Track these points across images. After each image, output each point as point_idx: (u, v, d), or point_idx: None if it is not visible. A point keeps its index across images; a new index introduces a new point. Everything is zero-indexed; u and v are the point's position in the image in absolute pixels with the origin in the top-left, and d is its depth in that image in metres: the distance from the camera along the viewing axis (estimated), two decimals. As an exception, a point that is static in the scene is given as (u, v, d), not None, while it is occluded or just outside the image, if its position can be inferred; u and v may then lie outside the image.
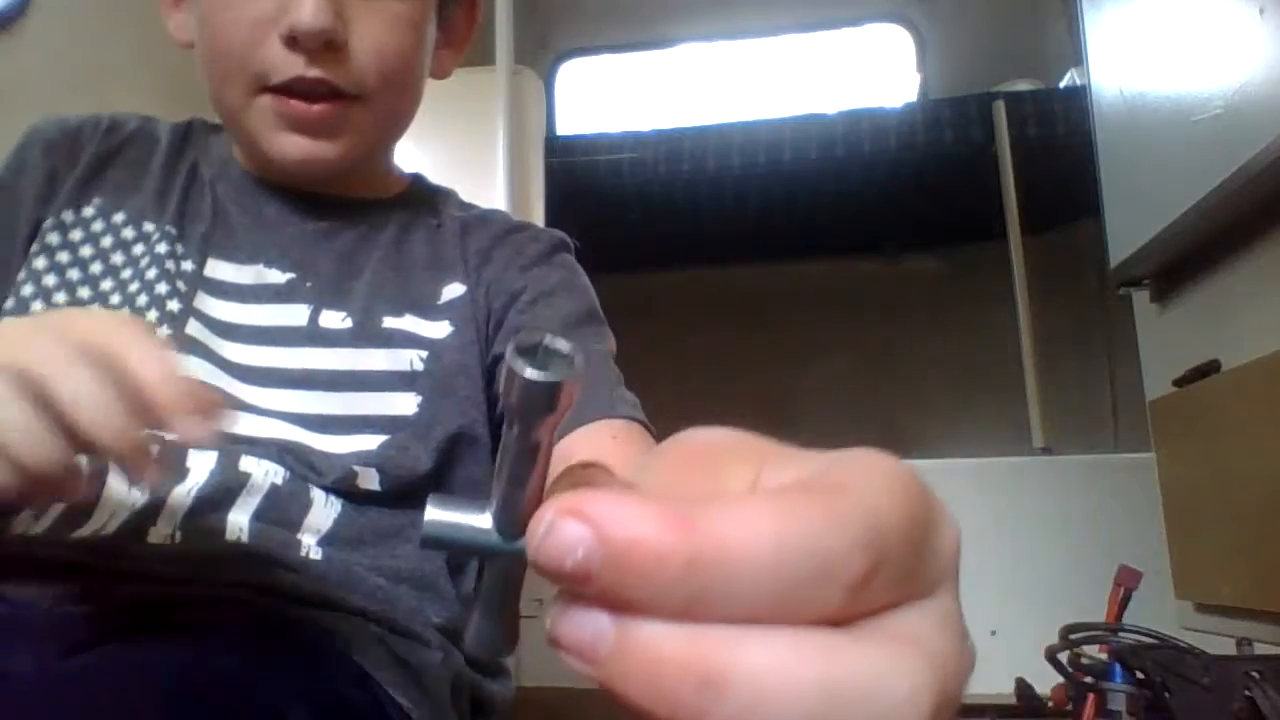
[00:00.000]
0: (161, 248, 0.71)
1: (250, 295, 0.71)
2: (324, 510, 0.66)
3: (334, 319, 0.71)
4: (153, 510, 0.62)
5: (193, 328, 0.68)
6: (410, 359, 0.70)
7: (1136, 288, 1.60)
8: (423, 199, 0.81)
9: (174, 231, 0.72)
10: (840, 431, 3.56)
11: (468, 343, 0.72)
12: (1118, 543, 2.33)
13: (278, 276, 0.73)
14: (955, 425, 3.38)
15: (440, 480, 0.70)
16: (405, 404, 0.69)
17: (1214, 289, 1.42)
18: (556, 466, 0.71)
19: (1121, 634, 0.87)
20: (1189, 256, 1.45)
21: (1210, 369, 1.40)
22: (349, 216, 0.76)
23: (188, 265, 0.71)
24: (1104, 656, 0.84)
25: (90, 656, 0.47)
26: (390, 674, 0.60)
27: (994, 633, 2.40)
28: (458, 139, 2.11)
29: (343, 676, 0.57)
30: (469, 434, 0.72)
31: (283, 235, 0.75)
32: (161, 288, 0.69)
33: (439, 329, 0.72)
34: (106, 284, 0.70)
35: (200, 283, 0.71)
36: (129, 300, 0.68)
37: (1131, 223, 1.50)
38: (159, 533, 0.61)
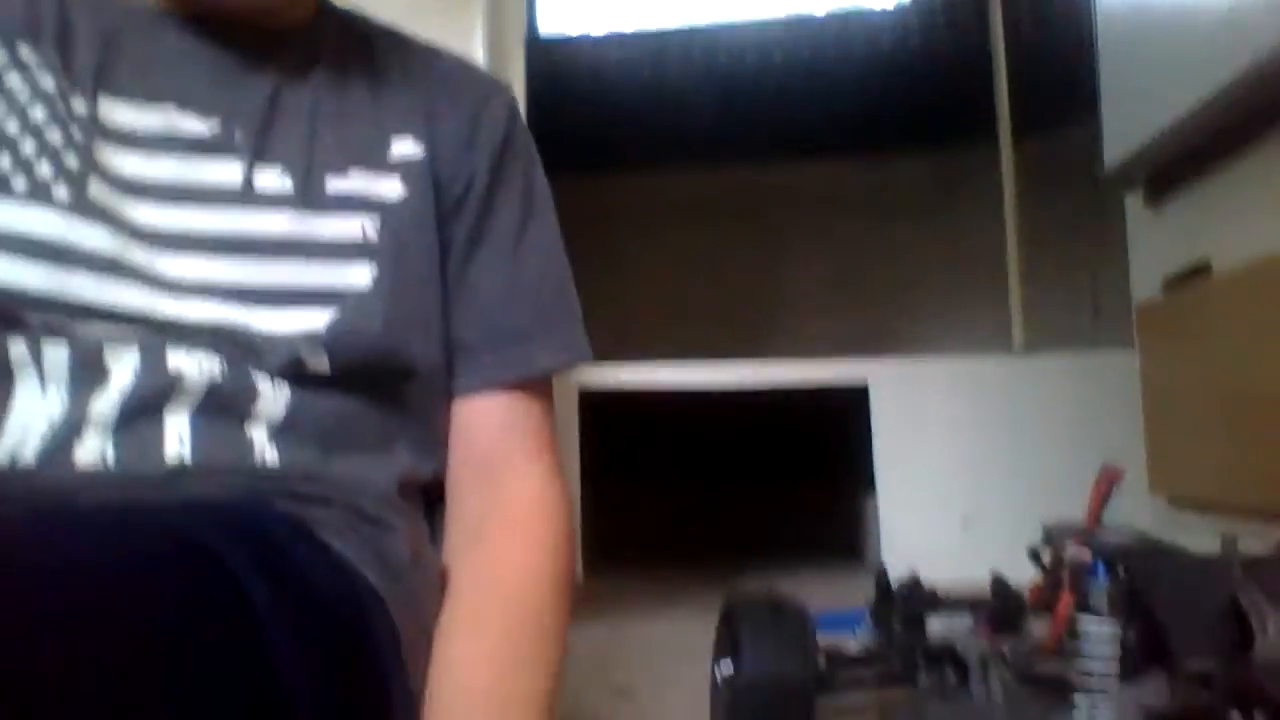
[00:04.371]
0: (47, 82, 0.60)
1: (160, 146, 0.62)
2: (273, 397, 0.60)
3: (271, 178, 0.63)
4: (74, 423, 0.56)
5: (95, 189, 0.59)
6: (362, 226, 0.63)
7: (1130, 189, 1.58)
8: (349, 27, 0.72)
9: (57, 61, 0.61)
10: (823, 335, 3.56)
11: (424, 209, 0.65)
12: (1093, 440, 2.37)
13: (196, 125, 0.63)
14: (937, 326, 3.39)
15: (393, 362, 0.64)
16: (358, 275, 0.62)
17: (1207, 192, 1.41)
18: (455, 423, 0.67)
19: (1105, 533, 0.88)
20: (1184, 159, 1.43)
21: (1200, 271, 1.40)
22: (270, 48, 0.66)
23: (79, 106, 0.60)
24: (1086, 554, 0.85)
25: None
26: (358, 553, 0.57)
27: (966, 525, 2.47)
28: (436, 39, 2.01)
29: (306, 551, 0.54)
30: (425, 314, 0.66)
31: (194, 71, 0.64)
32: (54, 136, 0.59)
33: (391, 189, 0.65)
34: None
35: (96, 128, 0.60)
36: (18, 159, 0.58)
37: (1129, 124, 1.48)
38: (87, 449, 0.56)
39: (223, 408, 0.58)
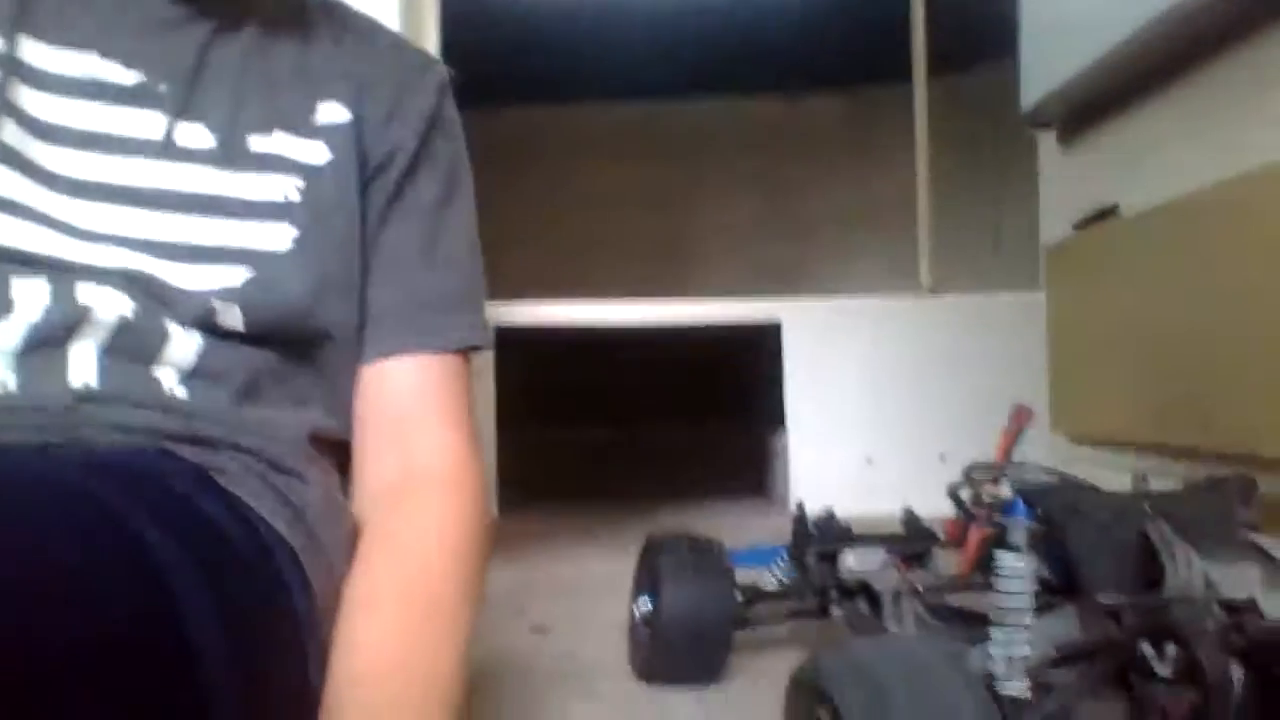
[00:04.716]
0: None
1: (79, 90, 0.61)
2: (183, 343, 0.59)
3: (193, 133, 0.62)
4: None
5: (7, 132, 0.57)
6: (285, 188, 0.63)
7: (1044, 129, 1.60)
8: None
9: None
10: (735, 273, 3.55)
11: (347, 175, 0.65)
12: (996, 379, 2.44)
13: (120, 73, 0.62)
14: (847, 265, 3.43)
15: (309, 324, 0.63)
16: (278, 236, 0.62)
17: (1120, 134, 1.43)
18: (364, 389, 0.65)
19: (1025, 470, 0.89)
20: (1099, 101, 1.44)
21: (1109, 213, 1.42)
22: (201, 3, 0.64)
23: None
24: (1007, 492, 0.86)
25: None
26: (267, 503, 0.56)
27: (870, 461, 2.53)
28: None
29: (212, 502, 0.52)
30: (344, 278, 0.65)
31: (121, 20, 0.63)
32: None
33: (316, 153, 0.64)
34: None
35: (12, 67, 0.59)
36: None
37: (1048, 63, 1.48)
38: None
39: (131, 346, 0.56)
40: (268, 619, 0.51)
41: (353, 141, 0.65)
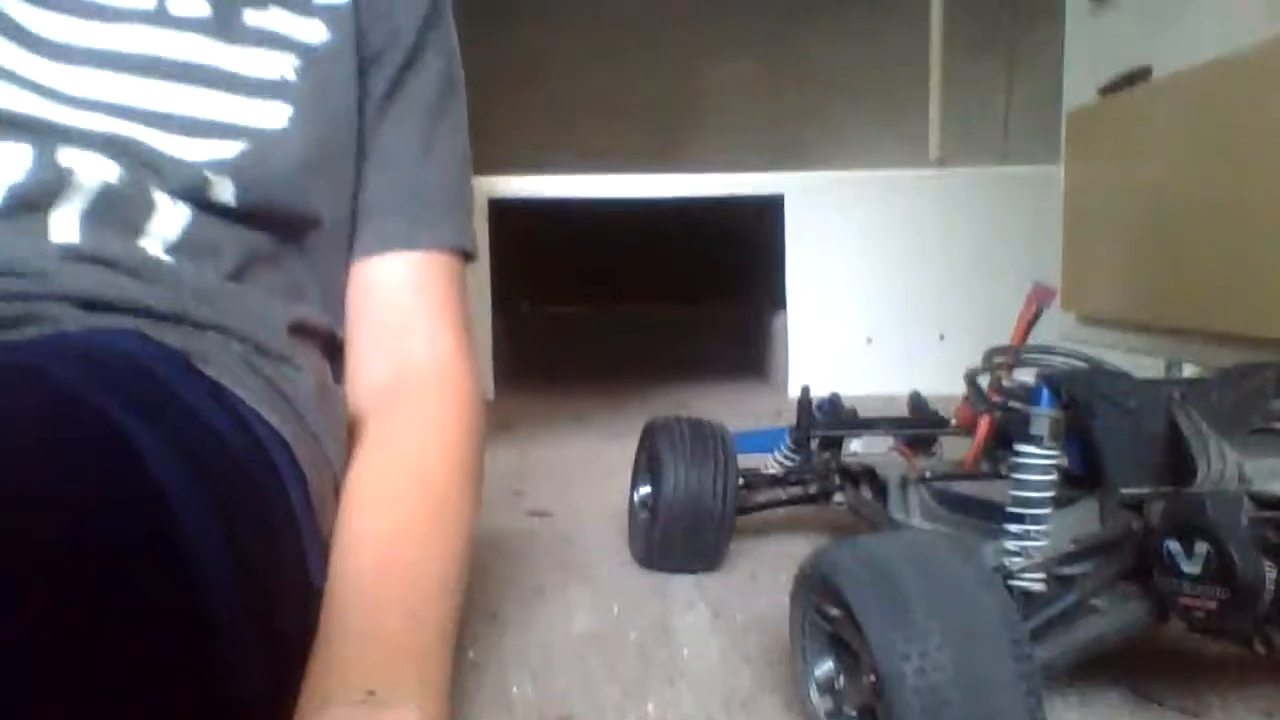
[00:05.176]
0: None
1: None
2: (171, 214, 0.57)
3: (188, 3, 0.60)
4: None
5: None
6: (281, 65, 0.61)
7: (1073, -14, 1.49)
8: None
9: None
10: (736, 142, 3.44)
11: (346, 55, 0.64)
12: (1004, 257, 2.38)
13: None
14: (853, 135, 3.30)
15: (302, 206, 0.62)
16: (273, 114, 0.60)
17: (1155, -11, 1.33)
18: (356, 286, 0.64)
19: (1046, 355, 0.84)
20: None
21: (1140, 76, 1.33)
22: None
23: None
24: (1031, 379, 0.82)
25: None
26: (256, 391, 0.54)
27: (870, 340, 2.49)
28: None
29: (197, 393, 0.50)
30: (339, 162, 0.64)
31: None
32: None
33: (313, 31, 0.63)
34: None
35: None
36: None
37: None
38: None
39: (115, 214, 0.55)
40: (262, 512, 0.50)
41: (351, 24, 0.64)
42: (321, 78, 0.62)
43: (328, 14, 0.64)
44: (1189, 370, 0.80)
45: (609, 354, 2.88)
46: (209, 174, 0.57)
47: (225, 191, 0.58)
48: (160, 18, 0.59)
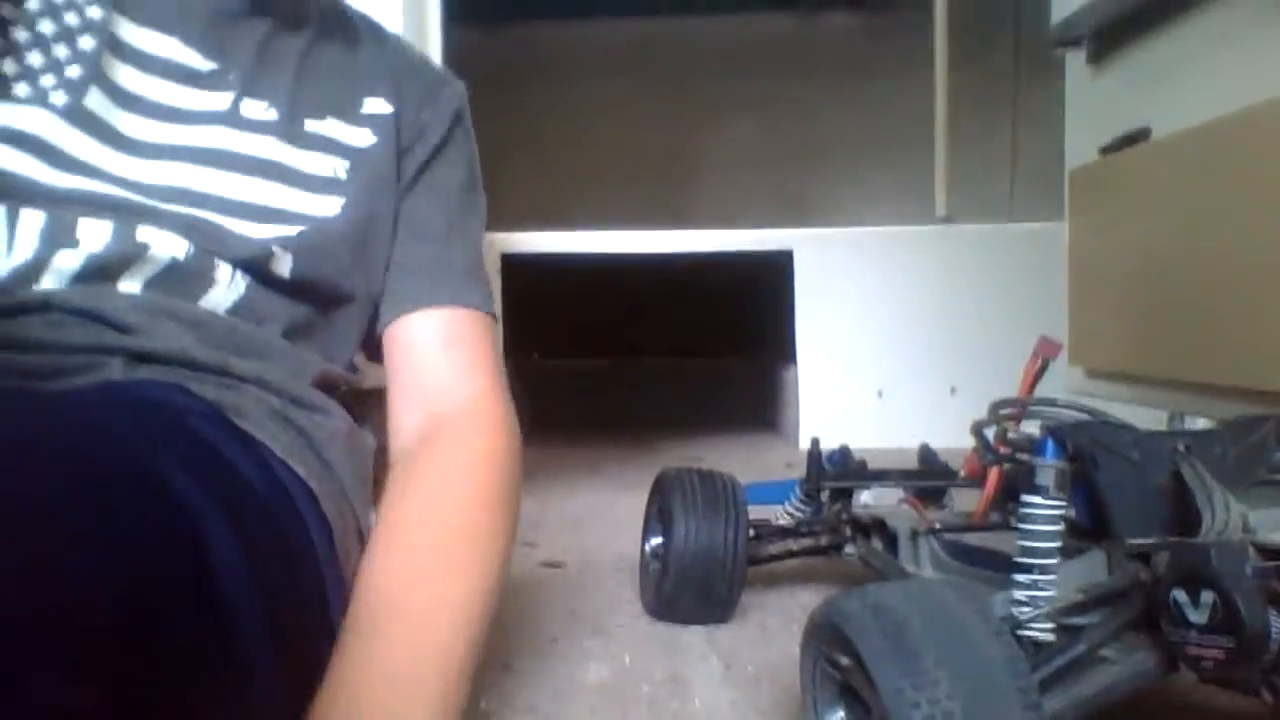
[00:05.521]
0: None
1: (164, 70, 0.65)
2: (227, 290, 0.62)
3: (258, 109, 0.67)
4: (34, 267, 0.57)
5: (93, 99, 0.61)
6: (334, 166, 0.69)
7: (1073, 48, 1.53)
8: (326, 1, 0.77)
9: None
10: (742, 199, 3.49)
11: (388, 158, 0.72)
12: (1011, 312, 2.40)
13: (198, 60, 0.66)
14: (860, 193, 3.35)
15: (346, 284, 0.69)
16: (328, 205, 0.67)
17: (1153, 52, 1.36)
18: (392, 344, 0.70)
19: (1051, 408, 0.86)
20: (1132, 17, 1.37)
21: (1139, 136, 1.36)
22: (263, 2, 0.70)
23: (94, 12, 0.63)
24: (1036, 431, 0.83)
25: None
26: (287, 444, 0.57)
27: (881, 394, 2.50)
28: None
29: (231, 445, 0.53)
30: (376, 248, 0.71)
31: (198, 8, 0.68)
32: (60, 50, 0.61)
33: (362, 137, 0.71)
34: None
35: (109, 41, 0.63)
36: (24, 70, 0.59)
37: (1078, -23, 1.41)
38: (34, 294, 0.56)
39: (176, 284, 0.60)
40: (287, 557, 0.52)
41: (393, 130, 0.72)
42: (367, 176, 0.70)
43: (375, 122, 0.72)
44: (1191, 422, 0.81)
45: (621, 407, 2.89)
46: (274, 249, 0.63)
47: (284, 265, 0.64)
48: (234, 119, 0.66)
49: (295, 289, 0.65)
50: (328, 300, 0.68)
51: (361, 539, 0.61)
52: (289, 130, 0.67)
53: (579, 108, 3.36)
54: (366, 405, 0.73)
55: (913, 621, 0.61)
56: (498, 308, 0.76)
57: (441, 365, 0.69)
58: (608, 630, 1.00)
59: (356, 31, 0.76)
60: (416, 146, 0.74)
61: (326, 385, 0.66)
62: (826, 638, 0.67)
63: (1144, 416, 1.00)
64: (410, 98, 0.75)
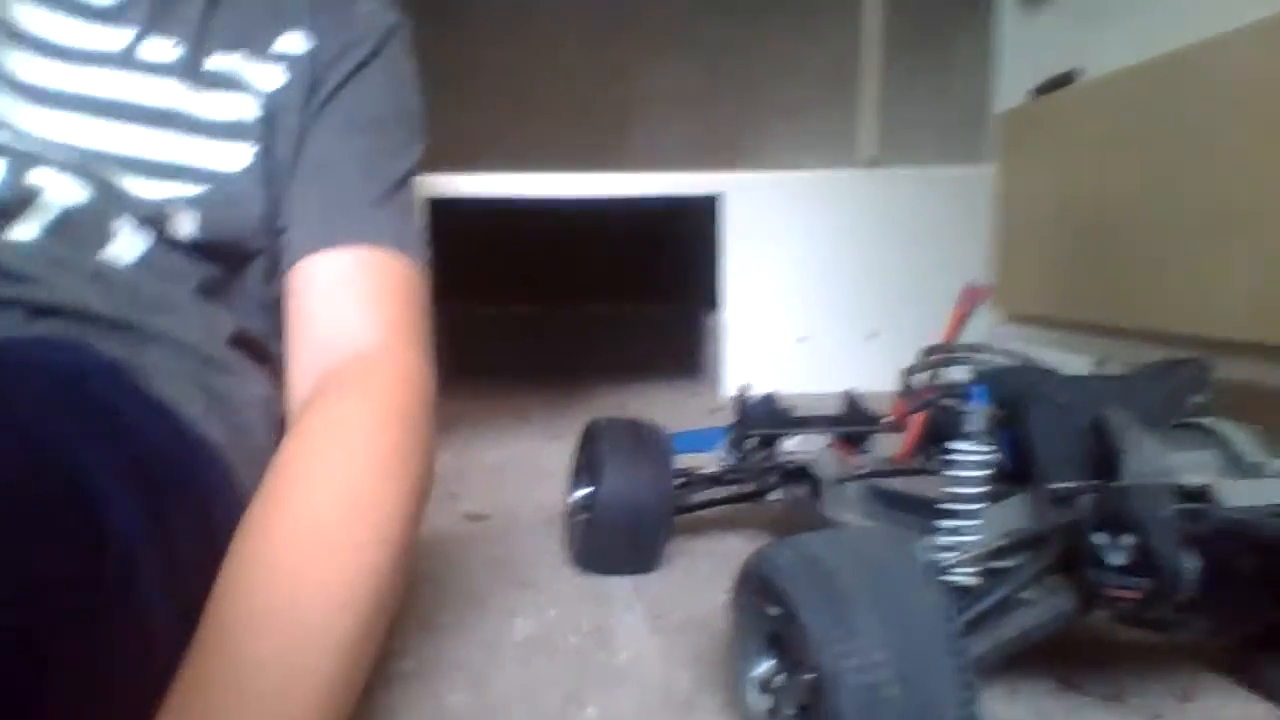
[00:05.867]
0: None
1: (67, 5, 0.61)
2: (130, 241, 0.58)
3: (159, 48, 0.62)
4: None
5: None
6: (243, 107, 0.63)
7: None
8: None
9: None
10: (674, 142, 3.43)
11: (300, 104, 0.66)
12: (934, 256, 2.42)
13: None
14: (789, 135, 3.33)
15: (256, 242, 0.64)
16: (237, 154, 0.63)
17: (1082, -5, 1.36)
18: (290, 292, 0.63)
19: (981, 354, 0.86)
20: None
21: (1070, 78, 1.36)
22: None
23: None
24: (966, 375, 0.83)
25: None
26: (196, 403, 0.54)
27: (802, 340, 2.51)
28: None
29: (134, 405, 0.50)
30: (285, 195, 0.65)
31: None
32: None
33: (273, 78, 0.66)
34: None
35: None
36: None
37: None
38: None
39: (74, 235, 0.56)
40: (197, 524, 0.49)
41: (308, 70, 0.66)
42: (278, 120, 0.64)
43: (288, 61, 0.66)
44: (1114, 367, 0.82)
45: (548, 354, 2.86)
46: (176, 208, 0.59)
47: (187, 224, 0.60)
48: (128, 61, 0.61)
49: (202, 248, 0.61)
50: (240, 258, 0.64)
51: None
52: (192, 70, 0.63)
53: (509, 45, 3.26)
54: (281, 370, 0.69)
55: (843, 571, 0.60)
56: (422, 251, 0.68)
57: (341, 311, 0.61)
58: (534, 583, 0.98)
59: None
60: (326, 79, 0.67)
61: (243, 347, 0.62)
62: (756, 587, 0.66)
63: (1067, 362, 1.01)
64: (329, 29, 0.68)
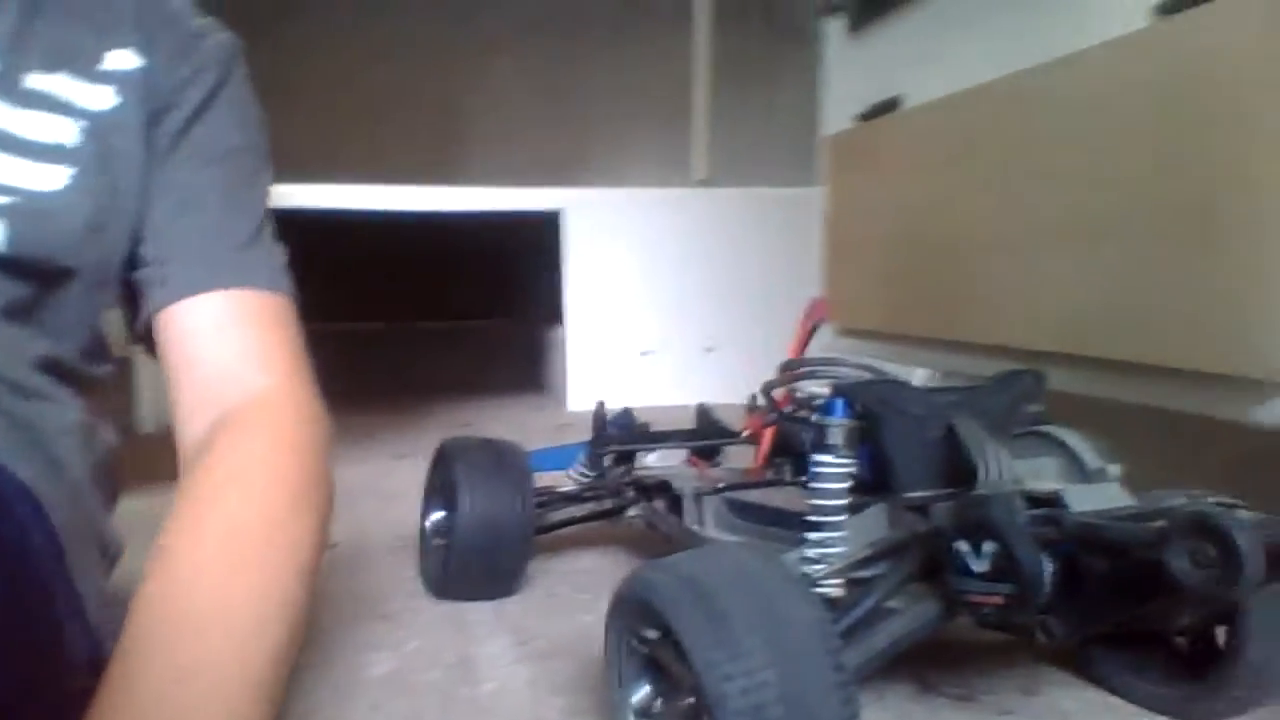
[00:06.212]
0: None
1: None
2: None
3: None
4: None
5: None
6: (64, 130, 0.59)
7: (835, 15, 1.58)
8: None
9: None
10: (509, 153, 3.40)
11: (134, 120, 0.62)
12: (766, 274, 2.51)
13: None
14: (628, 153, 3.37)
15: (69, 261, 0.59)
16: (51, 176, 0.58)
17: (906, 25, 1.44)
18: (169, 335, 0.60)
19: (841, 368, 0.88)
20: (889, -10, 1.44)
21: (892, 105, 1.43)
22: None
23: None
24: (825, 390, 0.85)
25: None
26: (5, 441, 0.51)
27: (644, 354, 2.54)
28: None
29: None
30: (119, 218, 0.61)
31: None
32: None
33: (101, 98, 0.61)
34: None
35: None
36: None
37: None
38: None
39: None
40: (11, 582, 0.45)
41: (141, 88, 0.63)
42: (107, 142, 0.61)
43: (118, 81, 0.62)
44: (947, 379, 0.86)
45: (391, 372, 2.76)
46: None
47: None
48: None
49: (8, 264, 0.56)
50: (51, 277, 0.58)
51: (101, 546, 0.53)
52: (6, 87, 0.58)
53: (342, 53, 3.14)
54: (104, 396, 0.63)
55: (721, 590, 0.60)
56: (291, 283, 0.67)
57: (227, 355, 0.60)
58: (390, 614, 0.93)
59: None
60: (175, 107, 0.64)
61: (54, 372, 0.57)
62: (633, 611, 0.65)
63: (902, 373, 1.06)
64: (165, 50, 0.65)
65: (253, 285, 0.63)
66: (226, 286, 0.62)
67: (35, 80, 0.59)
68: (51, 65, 0.60)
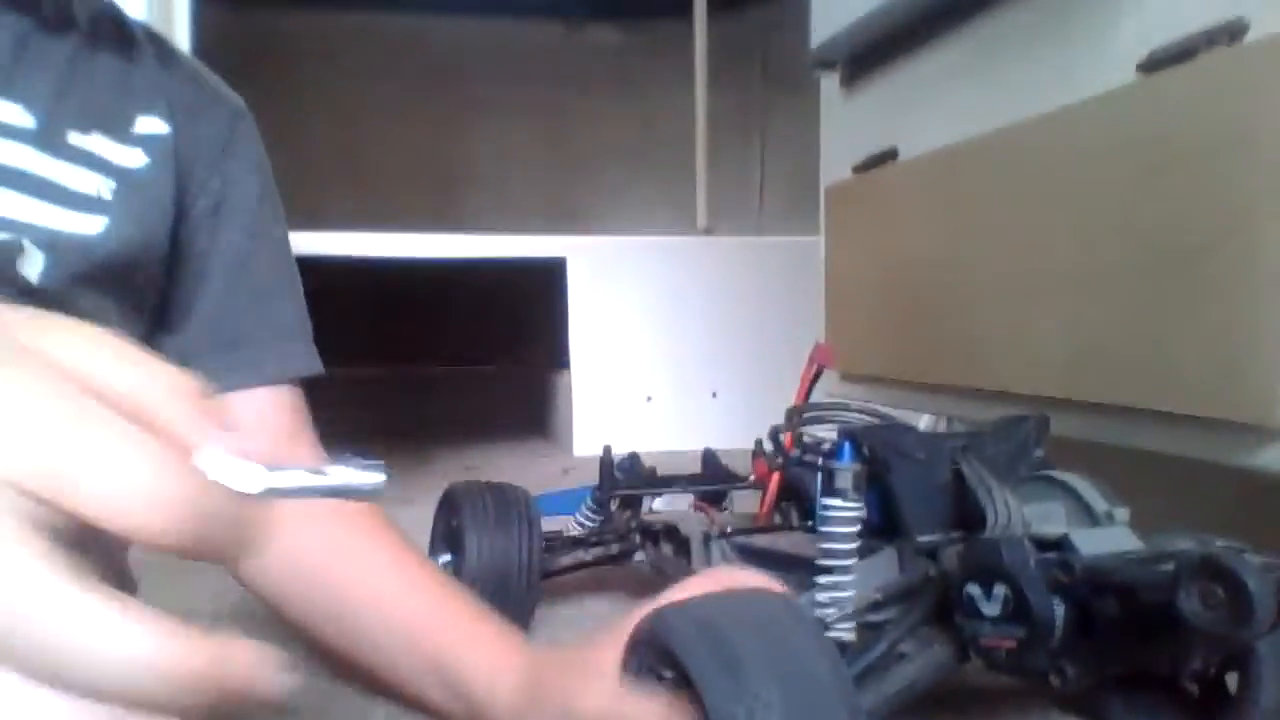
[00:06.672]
0: None
1: None
2: None
3: (11, 112, 0.60)
4: None
5: None
6: (99, 185, 0.61)
7: (829, 70, 1.62)
8: (104, 6, 0.69)
9: None
10: (516, 205, 3.44)
11: (165, 182, 0.65)
12: (769, 321, 2.53)
13: None
14: (631, 202, 3.41)
15: (99, 297, 0.61)
16: (88, 223, 0.60)
17: (902, 77, 1.47)
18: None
19: (848, 413, 0.89)
20: (884, 43, 1.47)
21: (888, 157, 1.46)
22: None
23: None
24: (834, 435, 0.86)
25: None
26: None
27: (649, 400, 2.55)
28: None
29: None
30: (154, 276, 0.65)
31: None
32: None
33: (133, 158, 0.64)
34: None
35: None
36: None
37: (836, 3, 1.49)
38: None
39: None
40: None
41: (171, 152, 0.66)
42: (137, 200, 0.63)
43: (149, 144, 0.65)
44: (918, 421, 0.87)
45: (395, 417, 2.76)
46: (26, 241, 0.57)
47: (35, 263, 0.57)
48: None
49: (45, 297, 0.58)
50: (83, 314, 0.60)
51: (119, 582, 0.53)
52: (48, 140, 0.60)
53: (344, 104, 3.19)
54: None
55: (738, 635, 0.60)
56: (316, 359, 0.72)
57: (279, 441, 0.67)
58: (396, 660, 0.93)
59: (135, 44, 0.69)
60: (205, 174, 0.68)
61: None
62: (652, 653, 0.65)
63: (904, 418, 1.07)
64: (191, 116, 0.68)
65: (290, 378, 0.68)
66: (268, 382, 0.67)
67: (75, 139, 0.62)
68: (87, 126, 0.63)
